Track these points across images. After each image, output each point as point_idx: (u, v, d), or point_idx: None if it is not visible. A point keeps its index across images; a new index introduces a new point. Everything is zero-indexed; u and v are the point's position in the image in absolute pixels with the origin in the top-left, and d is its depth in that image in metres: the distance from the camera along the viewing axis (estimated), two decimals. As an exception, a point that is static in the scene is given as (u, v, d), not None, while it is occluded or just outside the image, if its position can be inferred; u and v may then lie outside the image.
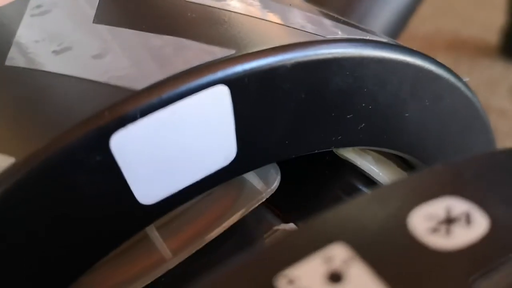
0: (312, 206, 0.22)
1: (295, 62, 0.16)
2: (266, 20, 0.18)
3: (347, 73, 0.17)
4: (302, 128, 0.18)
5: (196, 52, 0.16)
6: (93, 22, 0.18)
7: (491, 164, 0.14)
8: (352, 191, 0.22)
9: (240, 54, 0.16)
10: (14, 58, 0.17)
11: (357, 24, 0.20)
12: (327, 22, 0.19)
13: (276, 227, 0.20)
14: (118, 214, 0.15)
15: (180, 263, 0.18)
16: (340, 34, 0.18)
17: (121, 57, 0.16)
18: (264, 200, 0.19)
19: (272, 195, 0.20)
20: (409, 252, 0.11)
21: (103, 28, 0.17)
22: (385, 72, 0.18)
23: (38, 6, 0.19)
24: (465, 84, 0.21)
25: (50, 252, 0.15)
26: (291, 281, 0.10)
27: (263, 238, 0.20)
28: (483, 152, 0.19)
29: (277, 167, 0.20)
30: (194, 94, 0.15)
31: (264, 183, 0.20)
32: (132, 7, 0.19)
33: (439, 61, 0.20)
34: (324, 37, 0.17)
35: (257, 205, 0.19)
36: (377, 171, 0.22)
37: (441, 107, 0.20)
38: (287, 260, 0.11)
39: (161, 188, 0.16)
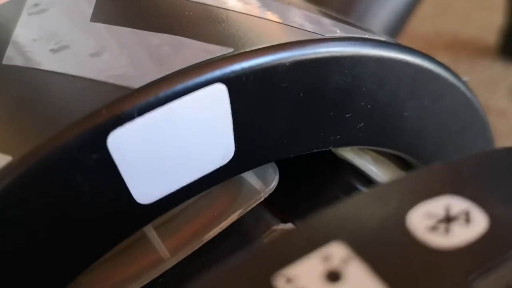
0: (310, 205, 0.22)
1: (293, 61, 0.16)
2: (265, 19, 0.18)
3: (346, 71, 0.17)
4: (300, 127, 0.18)
5: (194, 51, 0.16)
6: (91, 21, 0.18)
7: (491, 162, 0.14)
8: (351, 191, 0.22)
9: (238, 52, 0.16)
10: (12, 57, 0.17)
11: (355, 23, 0.20)
12: (326, 20, 0.19)
13: (274, 227, 0.20)
14: (115, 213, 0.15)
15: (178, 263, 0.18)
16: (338, 33, 0.18)
17: (118, 55, 0.16)
18: (262, 199, 0.19)
19: (270, 195, 0.19)
20: (408, 250, 0.11)
21: (101, 27, 0.17)
22: (384, 71, 0.18)
23: (36, 5, 0.19)
24: (464, 83, 0.21)
25: (47, 252, 0.15)
26: (289, 280, 0.10)
27: (261, 238, 0.20)
28: (483, 151, 0.19)
29: (276, 167, 0.20)
30: (191, 92, 0.15)
31: (262, 182, 0.19)
32: (130, 6, 0.19)
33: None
34: (322, 35, 0.17)
35: (255, 204, 0.19)
36: (375, 170, 0.22)
37: (441, 106, 0.20)
38: (286, 258, 0.11)
39: (159, 187, 0.16)
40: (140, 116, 0.14)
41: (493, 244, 0.11)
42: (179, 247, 0.18)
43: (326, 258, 0.11)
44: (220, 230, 0.19)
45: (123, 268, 0.18)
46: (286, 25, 0.18)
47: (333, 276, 0.10)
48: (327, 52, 0.17)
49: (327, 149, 0.19)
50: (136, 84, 0.15)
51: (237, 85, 0.15)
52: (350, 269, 0.10)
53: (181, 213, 0.19)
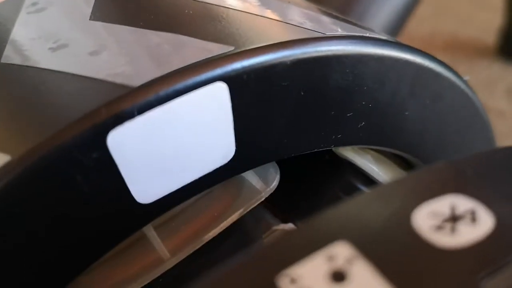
0: (311, 205, 0.22)
1: (294, 59, 0.16)
2: (265, 17, 0.18)
3: (347, 70, 0.17)
4: (301, 126, 0.17)
5: (194, 49, 0.16)
6: (90, 19, 0.17)
7: (493, 162, 0.14)
8: (352, 190, 0.22)
9: (238, 50, 0.15)
10: (10, 56, 0.17)
11: (356, 22, 0.20)
12: (326, 19, 0.19)
13: (275, 227, 0.20)
14: (115, 213, 0.15)
15: (178, 263, 0.18)
16: (339, 31, 0.18)
17: (118, 54, 0.16)
18: (263, 199, 0.19)
19: (271, 194, 0.19)
20: (413, 250, 0.11)
21: (100, 25, 0.17)
22: (384, 70, 0.18)
23: (34, 4, 0.19)
24: (465, 82, 0.21)
25: (46, 251, 0.15)
26: (293, 280, 0.10)
27: (262, 238, 0.20)
28: (486, 150, 0.19)
29: (276, 166, 0.20)
30: (192, 91, 0.15)
31: (263, 182, 0.19)
32: (129, 4, 0.18)
33: (438, 59, 0.19)
34: (323, 34, 0.17)
35: (256, 204, 0.19)
36: (376, 170, 0.22)
37: (441, 105, 0.20)
38: (290, 258, 0.10)
39: (159, 186, 0.15)
40: (140, 115, 0.14)
41: (500, 244, 0.11)
42: (179, 247, 0.18)
43: (331, 258, 0.10)
44: (221, 230, 0.19)
45: (123, 268, 0.18)
46: (287, 23, 0.18)
47: (338, 276, 0.10)
48: (328, 50, 0.17)
49: (328, 148, 0.19)
50: (136, 82, 0.14)
51: (238, 84, 0.15)
52: (355, 269, 0.10)
53: (181, 213, 0.19)
